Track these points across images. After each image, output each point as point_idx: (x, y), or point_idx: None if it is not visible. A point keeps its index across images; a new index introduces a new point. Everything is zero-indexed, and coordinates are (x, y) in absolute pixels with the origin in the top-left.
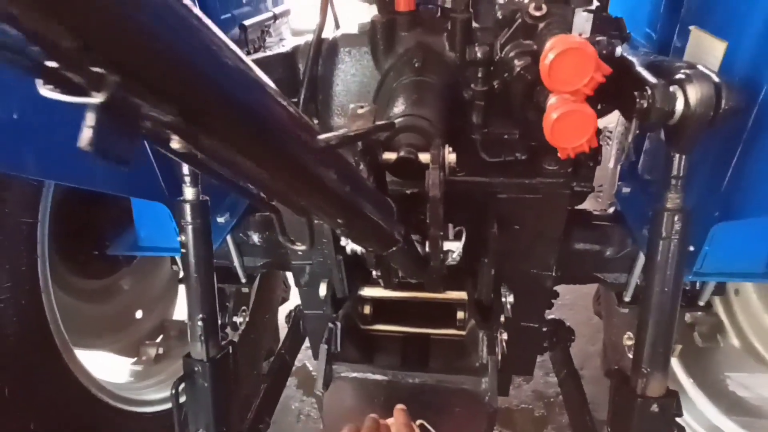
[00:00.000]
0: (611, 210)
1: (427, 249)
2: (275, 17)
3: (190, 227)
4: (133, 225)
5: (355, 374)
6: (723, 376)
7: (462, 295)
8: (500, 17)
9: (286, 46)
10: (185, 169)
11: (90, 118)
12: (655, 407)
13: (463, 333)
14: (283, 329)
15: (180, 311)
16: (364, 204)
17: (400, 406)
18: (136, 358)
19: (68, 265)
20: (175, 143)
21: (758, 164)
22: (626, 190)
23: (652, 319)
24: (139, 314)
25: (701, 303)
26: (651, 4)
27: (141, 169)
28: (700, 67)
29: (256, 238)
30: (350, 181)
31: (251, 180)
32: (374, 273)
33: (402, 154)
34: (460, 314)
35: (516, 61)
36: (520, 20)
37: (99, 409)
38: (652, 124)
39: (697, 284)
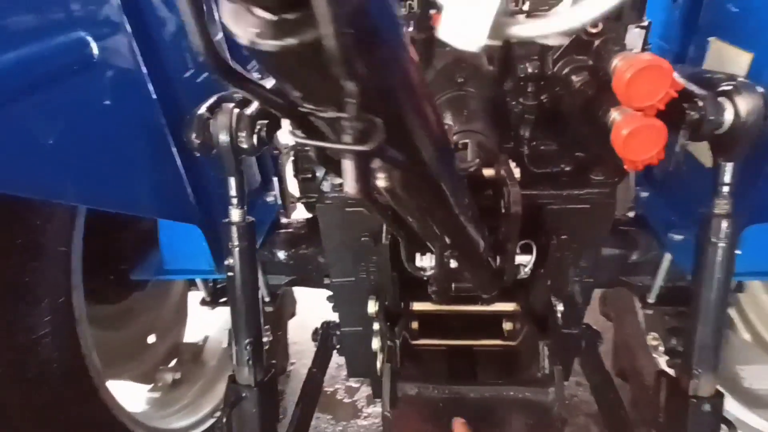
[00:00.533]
0: (632, 214)
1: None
2: None
3: (236, 250)
4: (152, 248)
5: (419, 391)
6: (737, 370)
7: (507, 306)
8: None
9: None
10: (233, 190)
11: (351, 166)
12: (707, 407)
13: (511, 343)
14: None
15: (191, 334)
16: (471, 225)
17: (459, 420)
18: (152, 385)
19: (89, 294)
20: (382, 182)
21: None
22: (644, 194)
23: (703, 322)
24: (151, 339)
25: None
26: (664, 16)
27: (173, 191)
28: (740, 78)
29: (281, 255)
30: (469, 204)
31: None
32: (430, 288)
33: (471, 170)
34: (508, 325)
35: (573, 77)
36: (573, 36)
37: None
38: (701, 135)
39: None
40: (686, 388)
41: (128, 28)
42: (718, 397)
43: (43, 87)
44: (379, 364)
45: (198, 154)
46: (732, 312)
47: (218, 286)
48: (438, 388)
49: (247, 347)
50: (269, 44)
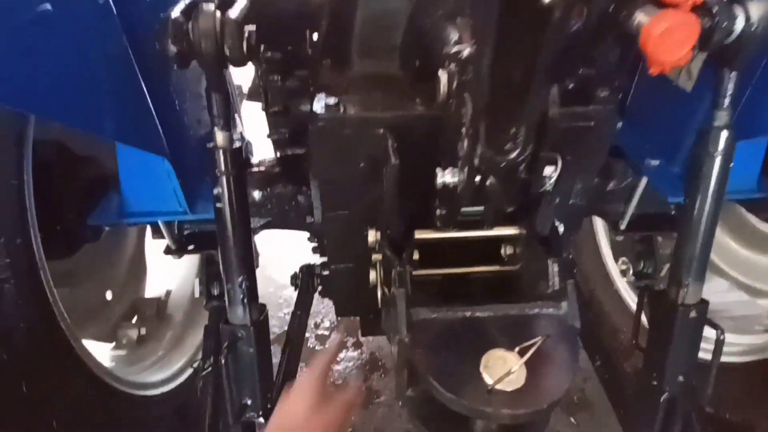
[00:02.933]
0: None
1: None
2: None
3: (223, 178)
4: (108, 193)
5: (434, 315)
6: None
7: (509, 230)
8: None
9: None
10: (216, 108)
11: None
12: (693, 313)
13: (512, 267)
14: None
15: (152, 290)
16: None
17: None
18: (114, 343)
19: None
20: None
21: None
22: (619, 125)
23: (696, 234)
24: (109, 296)
25: None
26: None
27: (137, 115)
28: None
29: (257, 195)
30: None
31: None
32: (438, 212)
33: None
34: (508, 250)
35: None
36: None
37: (115, 398)
38: (711, 45)
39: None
40: (675, 298)
41: None
42: (704, 303)
43: None
44: (380, 296)
45: (166, 74)
46: None
47: (185, 232)
48: (452, 310)
49: (241, 285)
50: None
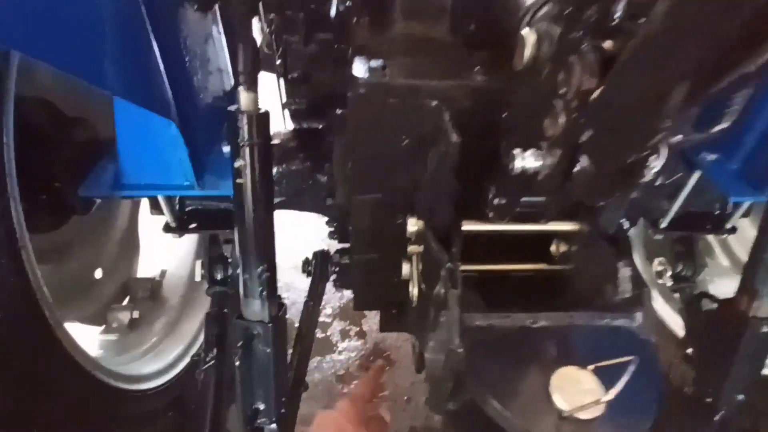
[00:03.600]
0: None
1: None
2: None
3: (247, 148)
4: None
5: (491, 323)
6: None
7: (566, 225)
8: None
9: None
10: (242, 64)
11: None
12: (765, 328)
13: (566, 267)
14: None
15: (144, 269)
16: None
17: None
18: (104, 326)
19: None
20: None
21: None
22: None
23: None
24: (98, 274)
25: (728, 226)
26: None
27: (144, 72)
28: None
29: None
30: None
31: None
32: (496, 201)
33: None
34: (561, 247)
35: None
36: None
37: (101, 392)
38: None
39: (728, 207)
40: (746, 309)
41: None
42: None
43: None
44: (416, 292)
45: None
46: (711, 239)
47: (187, 208)
48: (512, 317)
49: (261, 276)
50: None
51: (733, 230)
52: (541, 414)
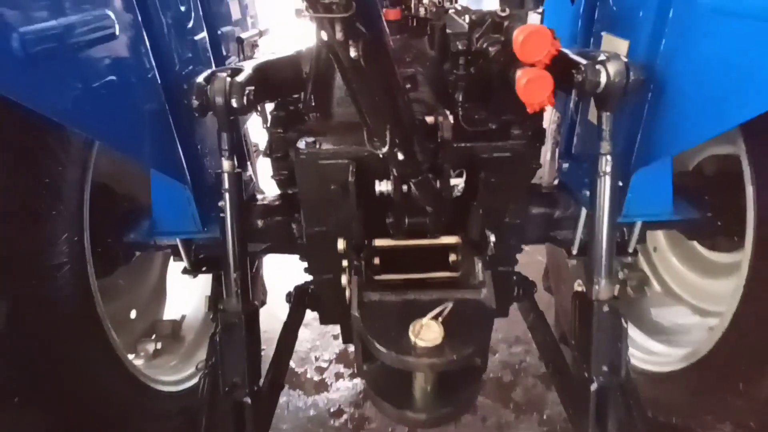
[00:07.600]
0: (556, 182)
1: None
2: (261, 34)
3: (227, 194)
4: (140, 218)
5: (381, 298)
6: (651, 315)
7: (450, 239)
8: (473, 19)
9: (290, 51)
10: (225, 143)
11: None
12: (606, 307)
13: (455, 274)
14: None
15: (169, 312)
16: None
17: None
18: (133, 355)
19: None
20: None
21: (658, 120)
22: (566, 165)
23: (599, 240)
24: (133, 314)
25: (630, 250)
26: (571, 19)
27: (166, 147)
28: (613, 52)
29: (260, 223)
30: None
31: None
32: (388, 220)
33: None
34: (452, 257)
35: (490, 48)
36: (489, 20)
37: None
38: (585, 92)
39: (626, 234)
40: (591, 296)
41: (138, 15)
42: (615, 299)
43: (82, 48)
44: (348, 294)
45: (191, 123)
46: (647, 271)
47: (200, 255)
48: (395, 294)
49: (236, 280)
50: None
51: (636, 253)
52: (403, 345)
